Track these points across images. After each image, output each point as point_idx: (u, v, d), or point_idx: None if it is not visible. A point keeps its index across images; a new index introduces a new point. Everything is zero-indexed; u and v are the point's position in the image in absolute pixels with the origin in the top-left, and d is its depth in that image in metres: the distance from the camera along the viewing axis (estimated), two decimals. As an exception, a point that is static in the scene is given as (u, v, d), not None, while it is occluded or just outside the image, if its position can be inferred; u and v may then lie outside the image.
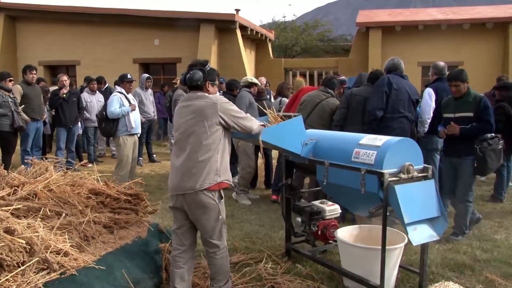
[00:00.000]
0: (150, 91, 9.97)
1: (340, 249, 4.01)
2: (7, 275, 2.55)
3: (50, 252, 2.79)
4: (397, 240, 3.79)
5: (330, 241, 4.37)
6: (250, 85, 7.24)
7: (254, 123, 3.57)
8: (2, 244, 2.57)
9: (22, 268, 2.62)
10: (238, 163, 7.07)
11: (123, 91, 7.00)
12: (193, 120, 3.38)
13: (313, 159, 3.99)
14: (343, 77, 7.94)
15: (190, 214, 3.43)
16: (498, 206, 6.54)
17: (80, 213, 3.55)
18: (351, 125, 5.45)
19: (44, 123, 8.84)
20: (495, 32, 16.30)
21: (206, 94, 3.45)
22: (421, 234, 3.41)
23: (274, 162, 7.56)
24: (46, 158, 4.33)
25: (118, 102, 6.75)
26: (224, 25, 15.70)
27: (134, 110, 6.94)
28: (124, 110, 6.71)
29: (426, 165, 3.66)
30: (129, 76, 7.19)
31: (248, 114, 3.59)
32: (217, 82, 3.63)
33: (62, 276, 2.75)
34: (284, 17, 35.34)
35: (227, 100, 3.48)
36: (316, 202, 4.53)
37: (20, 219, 3.03)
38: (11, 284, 2.52)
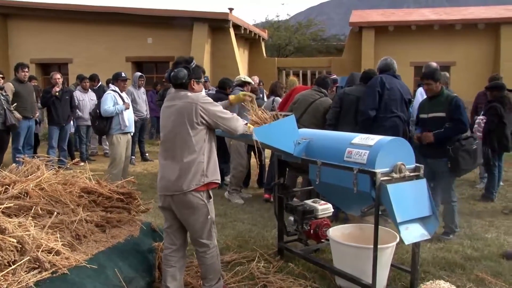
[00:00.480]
0: (142, 89, 9.93)
1: (332, 248, 4.02)
2: (-3, 274, 2.53)
3: (42, 251, 2.78)
4: (389, 239, 3.81)
5: (323, 240, 4.38)
6: (243, 84, 7.24)
7: (238, 124, 3.47)
8: (-7, 243, 2.56)
9: (13, 267, 2.61)
10: (230, 162, 7.06)
11: (117, 89, 6.99)
12: (176, 120, 3.33)
13: (305, 159, 4.00)
14: (335, 76, 7.96)
15: (179, 215, 3.42)
16: (489, 206, 6.58)
17: (72, 212, 3.53)
18: (344, 125, 5.46)
19: (36, 122, 8.79)
20: (487, 32, 16.40)
21: (188, 94, 3.36)
22: (412, 233, 3.42)
23: (267, 161, 7.56)
24: (38, 157, 4.30)
25: (112, 100, 6.74)
26: (217, 24, 15.68)
27: (128, 108, 6.93)
28: (118, 109, 6.69)
29: (418, 164, 3.68)
30: (123, 74, 7.18)
31: (234, 114, 3.48)
32: (202, 80, 3.52)
33: (54, 275, 2.73)
34: (277, 16, 35.35)
35: (210, 100, 3.38)
36: (309, 201, 4.54)
37: (11, 218, 3.01)
38: (2, 283, 2.51)
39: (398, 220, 3.33)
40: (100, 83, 11.07)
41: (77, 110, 9.65)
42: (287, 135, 3.90)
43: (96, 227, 3.60)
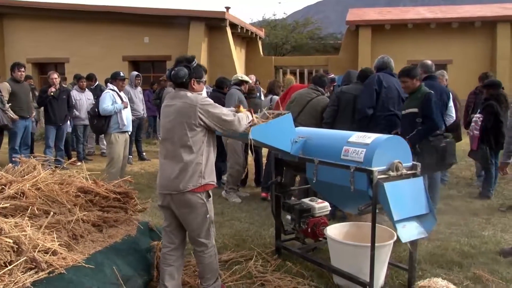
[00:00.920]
0: (139, 89, 9.91)
1: (330, 246, 4.02)
2: (-6, 275, 2.52)
3: (38, 251, 2.78)
4: (387, 237, 3.81)
5: (320, 239, 4.38)
6: (240, 82, 7.23)
7: (240, 125, 3.41)
8: (-11, 243, 2.55)
9: (9, 267, 2.60)
10: (227, 161, 7.06)
11: (115, 88, 7.00)
12: (175, 120, 3.32)
13: (302, 157, 4.00)
14: (333, 75, 7.96)
15: (178, 213, 3.41)
16: (486, 203, 6.59)
17: (68, 211, 3.52)
18: (341, 123, 5.46)
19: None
20: (483, 31, 16.45)
21: (188, 94, 3.33)
22: (410, 231, 3.43)
23: (264, 160, 7.56)
24: (34, 157, 4.29)
25: (110, 99, 6.75)
26: (214, 23, 15.67)
27: (126, 107, 6.94)
28: (116, 107, 6.71)
29: (414, 162, 3.68)
30: (121, 74, 7.20)
31: (236, 115, 3.43)
32: (204, 80, 3.48)
33: (51, 275, 2.73)
34: (274, 15, 35.27)
35: (210, 101, 3.34)
36: (306, 200, 4.55)
37: (8, 218, 3.01)
38: (-2, 283, 2.50)
39: (395, 218, 3.33)
40: (97, 82, 11.04)
41: (74, 110, 9.63)
42: (284, 133, 3.90)
43: (93, 227, 3.60)
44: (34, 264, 2.72)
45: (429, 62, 6.06)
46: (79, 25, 15.99)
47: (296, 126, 4.09)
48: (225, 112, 3.38)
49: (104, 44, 15.85)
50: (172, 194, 3.34)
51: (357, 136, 3.72)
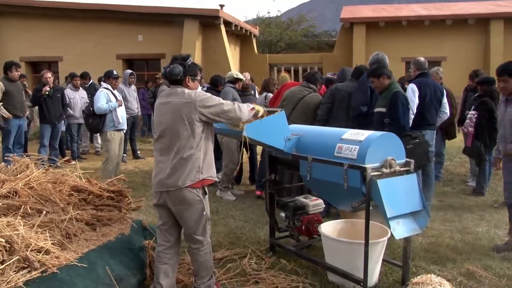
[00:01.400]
0: (133, 87, 9.90)
1: (324, 243, 4.03)
2: (-14, 274, 2.51)
3: (31, 251, 2.76)
4: (381, 234, 3.82)
5: (314, 236, 4.39)
6: (235, 80, 7.22)
7: (242, 113, 3.42)
8: (-19, 242, 2.53)
9: (1, 267, 2.59)
10: (222, 159, 7.05)
11: (109, 87, 7.00)
12: (172, 117, 3.32)
13: (296, 154, 4.00)
14: (331, 75, 7.89)
15: (174, 211, 3.41)
16: (480, 200, 6.63)
17: (62, 210, 3.51)
18: (335, 121, 5.46)
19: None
20: (477, 28, 16.50)
21: (185, 91, 3.35)
22: (404, 228, 3.43)
23: (259, 157, 7.56)
24: (28, 156, 4.26)
25: (105, 98, 6.76)
26: (208, 21, 15.62)
27: (121, 105, 6.95)
28: (111, 106, 6.72)
29: (408, 159, 3.69)
30: (115, 72, 7.23)
31: (235, 103, 3.44)
32: (198, 78, 3.52)
33: (43, 274, 2.72)
34: (268, 12, 35.29)
35: (207, 95, 3.37)
36: (300, 197, 4.55)
37: (0, 217, 2.99)
38: (-9, 283, 2.49)
39: (389, 215, 3.34)
40: (91, 81, 11.00)
41: (68, 108, 9.59)
42: (278, 131, 3.90)
43: (86, 226, 3.59)
44: (27, 263, 2.71)
45: (422, 59, 6.07)
46: (72, 23, 15.90)
47: (289, 124, 4.08)
48: (224, 102, 3.40)
49: (98, 42, 15.77)
50: (169, 191, 3.33)
51: (350, 133, 3.72)
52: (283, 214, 4.51)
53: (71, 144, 10.05)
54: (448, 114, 6.18)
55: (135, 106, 9.81)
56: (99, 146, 10.75)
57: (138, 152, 10.28)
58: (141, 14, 15.69)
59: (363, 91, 5.35)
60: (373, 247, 3.59)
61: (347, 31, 17.76)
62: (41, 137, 8.87)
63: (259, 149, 7.46)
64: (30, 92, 9.86)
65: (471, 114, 6.88)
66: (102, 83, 7.67)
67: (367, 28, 17.11)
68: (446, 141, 7.85)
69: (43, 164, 4.26)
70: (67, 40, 15.91)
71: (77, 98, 9.95)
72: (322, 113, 5.72)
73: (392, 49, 15.21)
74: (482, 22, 16.45)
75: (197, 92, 3.39)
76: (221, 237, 4.99)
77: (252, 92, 9.01)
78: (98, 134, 8.40)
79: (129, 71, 10.06)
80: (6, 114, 7.66)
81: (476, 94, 7.11)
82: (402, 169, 3.59)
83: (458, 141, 8.26)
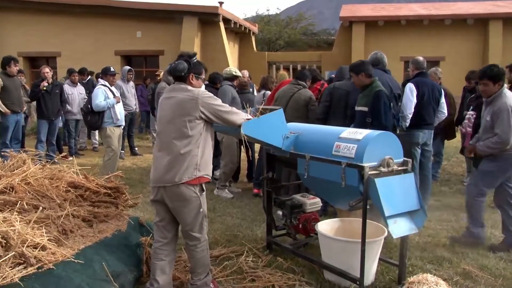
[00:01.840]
0: (131, 83, 9.88)
1: (321, 242, 4.03)
2: (-18, 270, 2.50)
3: (27, 246, 2.76)
4: (377, 233, 3.82)
5: (311, 234, 4.39)
6: (233, 77, 7.20)
7: (238, 117, 3.47)
8: (-23, 238, 2.53)
9: (-3, 262, 2.58)
10: (221, 157, 7.04)
11: (107, 83, 6.98)
12: (174, 113, 3.35)
13: (294, 153, 3.99)
14: (333, 75, 7.89)
15: (171, 207, 3.41)
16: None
17: (58, 206, 3.50)
18: (333, 119, 5.46)
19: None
20: (475, 28, 16.52)
21: (189, 87, 3.39)
22: (401, 227, 3.44)
23: (256, 155, 7.55)
24: (25, 151, 4.25)
25: (103, 95, 6.74)
26: (207, 18, 15.60)
27: (119, 102, 6.95)
28: (109, 103, 6.71)
29: (406, 158, 3.69)
30: (112, 69, 7.19)
31: (233, 108, 3.51)
32: (202, 76, 3.55)
33: (40, 270, 2.71)
34: (267, 10, 35.33)
35: (210, 94, 3.41)
36: (297, 196, 4.54)
37: (-4, 212, 2.98)
38: (-14, 278, 2.48)
39: (386, 214, 3.34)
40: (89, 77, 10.97)
41: (66, 104, 9.56)
42: (276, 129, 3.88)
43: (83, 222, 3.58)
44: (23, 259, 2.71)
45: (420, 58, 6.07)
46: (71, 18, 15.84)
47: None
48: (222, 103, 3.44)
49: (96, 38, 15.73)
50: (166, 186, 3.33)
51: (348, 132, 3.72)
52: (280, 212, 4.51)
53: (68, 140, 10.03)
54: (446, 114, 6.19)
55: (133, 103, 9.79)
56: (97, 142, 10.74)
57: (136, 148, 10.27)
58: (140, 10, 15.65)
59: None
60: (370, 246, 3.59)
61: (346, 29, 17.76)
62: (38, 132, 8.85)
63: (257, 147, 7.46)
64: (28, 87, 9.84)
65: (470, 114, 6.88)
66: (99, 79, 7.65)
67: (366, 27, 17.12)
68: (445, 141, 7.86)
69: (40, 160, 4.25)
70: (65, 36, 15.86)
71: (75, 93, 9.93)
72: (320, 111, 5.72)
73: (391, 48, 15.23)
74: (481, 22, 16.47)
75: (201, 90, 3.43)
76: (218, 234, 4.99)
77: (251, 90, 9.00)
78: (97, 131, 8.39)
79: (127, 67, 10.04)
80: (3, 109, 7.64)
81: (472, 95, 7.11)
82: (399, 168, 3.59)
83: (456, 141, 8.26)
